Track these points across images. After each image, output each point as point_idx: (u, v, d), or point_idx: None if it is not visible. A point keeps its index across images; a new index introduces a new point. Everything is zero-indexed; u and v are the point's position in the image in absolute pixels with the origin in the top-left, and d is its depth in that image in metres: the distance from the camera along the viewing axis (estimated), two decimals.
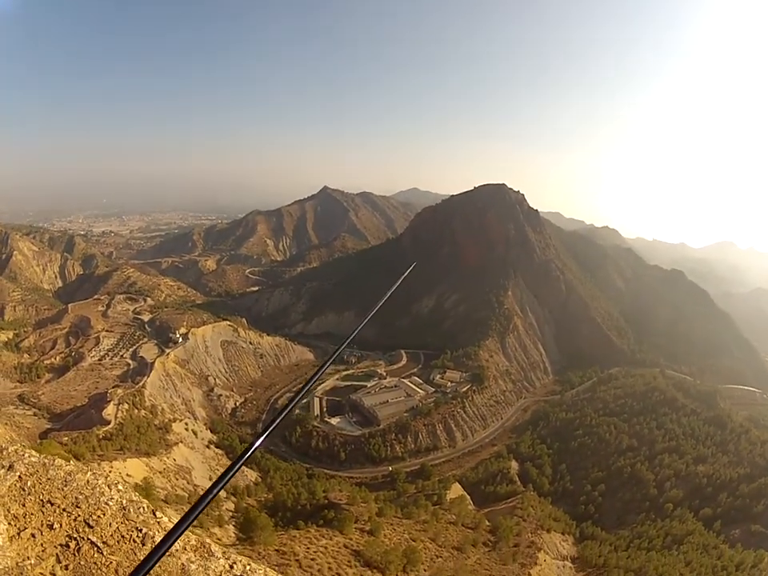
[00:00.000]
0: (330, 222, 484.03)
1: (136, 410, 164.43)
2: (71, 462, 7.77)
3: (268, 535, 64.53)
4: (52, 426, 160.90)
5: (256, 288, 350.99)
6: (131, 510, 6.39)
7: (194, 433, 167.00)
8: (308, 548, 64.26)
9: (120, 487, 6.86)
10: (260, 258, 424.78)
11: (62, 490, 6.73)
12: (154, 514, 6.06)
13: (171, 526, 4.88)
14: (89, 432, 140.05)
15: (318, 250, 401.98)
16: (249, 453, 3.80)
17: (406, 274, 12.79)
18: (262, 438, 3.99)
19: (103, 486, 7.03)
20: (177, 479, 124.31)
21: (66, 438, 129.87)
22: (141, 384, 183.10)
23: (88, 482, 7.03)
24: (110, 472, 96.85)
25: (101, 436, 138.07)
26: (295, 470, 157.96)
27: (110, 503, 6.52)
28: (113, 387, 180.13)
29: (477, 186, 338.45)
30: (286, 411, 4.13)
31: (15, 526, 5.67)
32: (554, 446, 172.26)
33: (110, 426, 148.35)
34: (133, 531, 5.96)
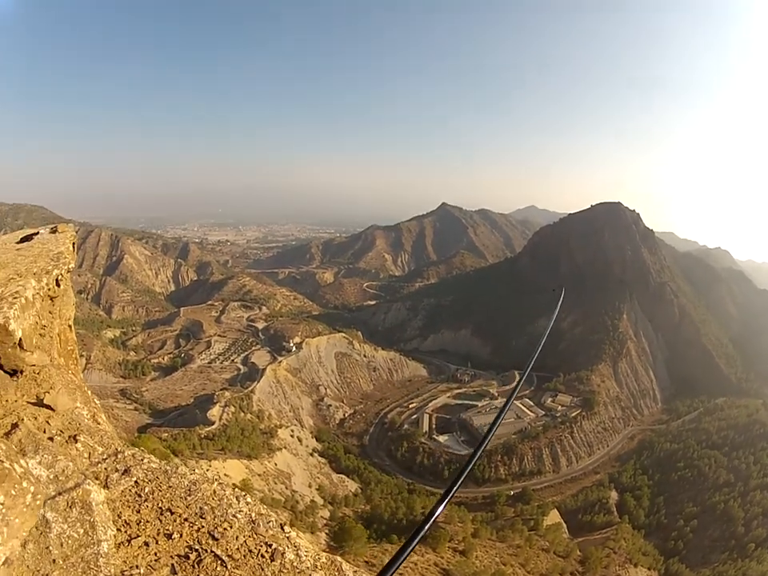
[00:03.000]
0: (449, 238, 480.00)
1: (242, 414, 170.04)
2: (195, 471, 7.62)
3: (360, 546, 65.86)
4: (152, 422, 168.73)
5: (373, 302, 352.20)
6: (260, 524, 6.19)
7: (299, 440, 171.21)
8: None
9: (249, 499, 6.63)
10: (378, 272, 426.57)
11: (185, 499, 6.53)
12: (283, 528, 5.96)
13: (300, 541, 5.66)
14: (190, 430, 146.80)
15: (437, 266, 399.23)
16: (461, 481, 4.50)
17: (560, 301, 15.04)
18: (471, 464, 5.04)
19: (231, 497, 6.75)
20: (275, 483, 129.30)
21: (166, 435, 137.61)
22: (250, 389, 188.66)
23: (215, 492, 6.81)
24: (207, 470, 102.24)
25: (202, 435, 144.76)
26: (396, 485, 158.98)
27: (238, 516, 6.29)
28: (220, 390, 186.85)
29: (593, 204, 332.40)
30: (488, 437, 5.38)
31: (126, 532, 5.48)
32: (654, 477, 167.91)
33: (214, 426, 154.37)
34: (261, 546, 5.75)
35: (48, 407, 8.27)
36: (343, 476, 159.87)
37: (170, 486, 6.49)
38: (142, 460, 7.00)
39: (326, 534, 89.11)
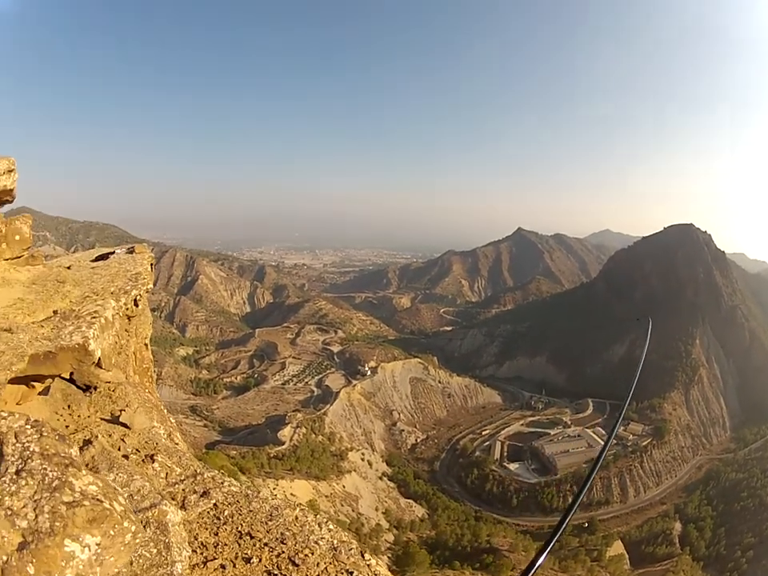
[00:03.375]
0: (525, 264, 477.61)
1: (313, 435, 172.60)
2: (276, 496, 8.04)
3: (422, 572, 68.55)
4: (221, 439, 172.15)
5: (450, 328, 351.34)
6: (342, 551, 6.36)
7: (369, 463, 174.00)
8: None
9: (331, 526, 6.81)
10: (455, 298, 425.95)
11: (266, 523, 6.63)
12: (363, 555, 6.10)
13: (379, 569, 5.92)
14: (260, 449, 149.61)
15: (513, 292, 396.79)
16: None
17: (649, 333, 14.96)
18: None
19: (313, 523, 6.92)
20: (342, 505, 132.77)
21: (235, 452, 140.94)
22: (323, 411, 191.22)
23: (297, 518, 6.95)
24: (273, 489, 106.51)
25: (272, 455, 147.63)
26: (464, 511, 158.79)
27: (320, 542, 6.42)
28: (293, 411, 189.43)
29: (666, 227, 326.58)
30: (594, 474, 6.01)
31: (202, 554, 5.56)
32: (719, 507, 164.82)
33: (284, 446, 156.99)
34: (342, 573, 5.94)
35: (124, 425, 9.00)
36: (411, 501, 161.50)
37: (251, 511, 6.82)
38: (222, 483, 7.46)
39: (388, 557, 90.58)
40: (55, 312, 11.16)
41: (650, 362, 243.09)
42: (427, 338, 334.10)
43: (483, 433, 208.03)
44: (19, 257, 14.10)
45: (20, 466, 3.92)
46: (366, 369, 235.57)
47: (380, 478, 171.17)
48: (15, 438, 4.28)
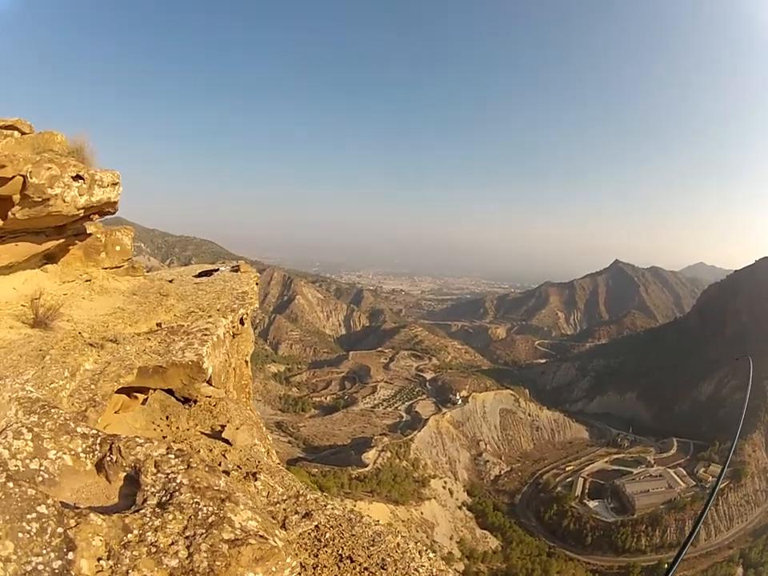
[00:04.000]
0: (621, 297, 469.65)
1: (398, 460, 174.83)
2: (379, 521, 8.04)
3: None
4: (304, 456, 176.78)
5: (543, 360, 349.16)
6: None
7: (450, 492, 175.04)
8: None
9: (431, 555, 6.80)
10: (550, 330, 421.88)
11: (368, 548, 6.66)
12: None
13: None
14: (342, 470, 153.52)
15: (608, 326, 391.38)
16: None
17: (751, 375, 14.76)
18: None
19: (414, 551, 6.93)
20: (417, 531, 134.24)
21: (316, 470, 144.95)
22: (410, 437, 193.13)
23: (398, 545, 6.96)
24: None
25: (353, 476, 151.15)
26: (538, 546, 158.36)
27: (420, 570, 6.44)
28: (380, 434, 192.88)
29: (757, 259, 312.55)
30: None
31: (300, 575, 5.31)
32: None
33: (367, 468, 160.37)
34: None
35: (225, 441, 9.33)
36: (487, 532, 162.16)
37: (353, 535, 7.00)
38: (325, 506, 7.66)
39: None
40: (159, 325, 12.72)
41: (735, 400, 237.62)
42: (520, 369, 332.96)
43: (567, 468, 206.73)
44: (119, 267, 16.36)
45: (164, 499, 4.25)
46: (458, 397, 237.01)
47: (459, 507, 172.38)
48: (156, 467, 4.62)
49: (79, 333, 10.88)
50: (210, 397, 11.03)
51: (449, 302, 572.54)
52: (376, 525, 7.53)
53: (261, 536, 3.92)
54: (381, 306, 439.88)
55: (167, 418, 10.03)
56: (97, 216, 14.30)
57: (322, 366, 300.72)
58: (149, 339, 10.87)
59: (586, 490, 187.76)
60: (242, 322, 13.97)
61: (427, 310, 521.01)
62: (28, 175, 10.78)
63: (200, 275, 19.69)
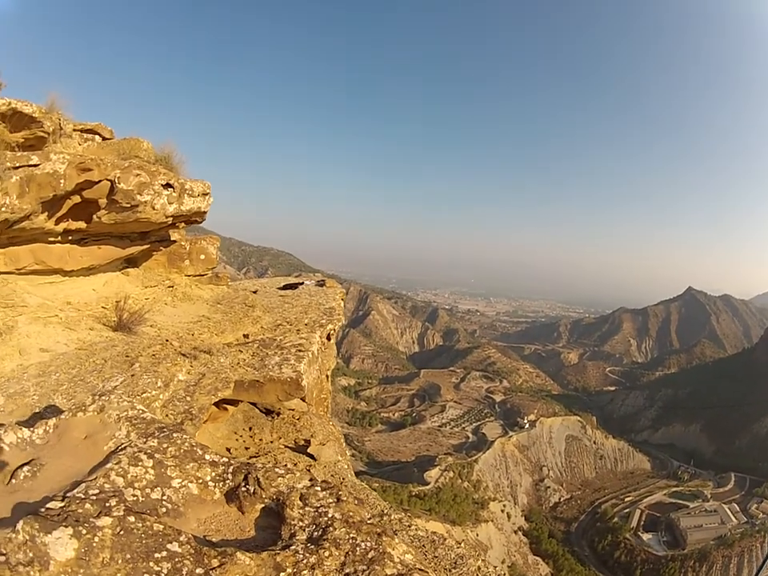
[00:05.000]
0: (692, 325, 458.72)
1: (459, 480, 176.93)
2: (461, 544, 7.80)
3: None
4: (366, 470, 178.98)
5: (613, 388, 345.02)
6: None
7: (508, 515, 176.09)
8: None
9: None
10: (621, 357, 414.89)
11: (450, 571, 6.57)
12: None
13: None
14: (402, 486, 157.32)
15: (678, 355, 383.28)
16: None
17: None
18: None
19: (493, 574, 6.92)
20: None
21: (377, 485, 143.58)
22: (474, 458, 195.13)
23: (479, 568, 6.86)
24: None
25: (413, 493, 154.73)
26: None
27: None
28: (444, 453, 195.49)
29: None
30: None
31: None
32: None
33: (428, 487, 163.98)
34: None
35: (310, 456, 9.85)
36: (539, 559, 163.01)
37: (436, 557, 6.96)
38: (409, 526, 7.82)
39: None
40: (246, 336, 13.26)
41: None
42: (589, 396, 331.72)
43: (626, 499, 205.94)
44: (202, 275, 16.86)
45: (315, 534, 4.10)
46: (525, 421, 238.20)
47: (515, 532, 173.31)
48: (302, 500, 4.53)
49: (167, 340, 11.35)
50: (293, 410, 11.56)
51: (523, 324, 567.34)
52: (458, 547, 7.60)
53: (420, 569, 3.94)
54: (455, 325, 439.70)
55: (250, 429, 10.48)
56: (183, 224, 15.66)
57: (392, 382, 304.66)
58: (241, 351, 11.41)
59: (642, 522, 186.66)
60: (328, 337, 14.54)
61: (501, 332, 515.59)
62: (116, 180, 11.80)
63: (284, 288, 20.75)
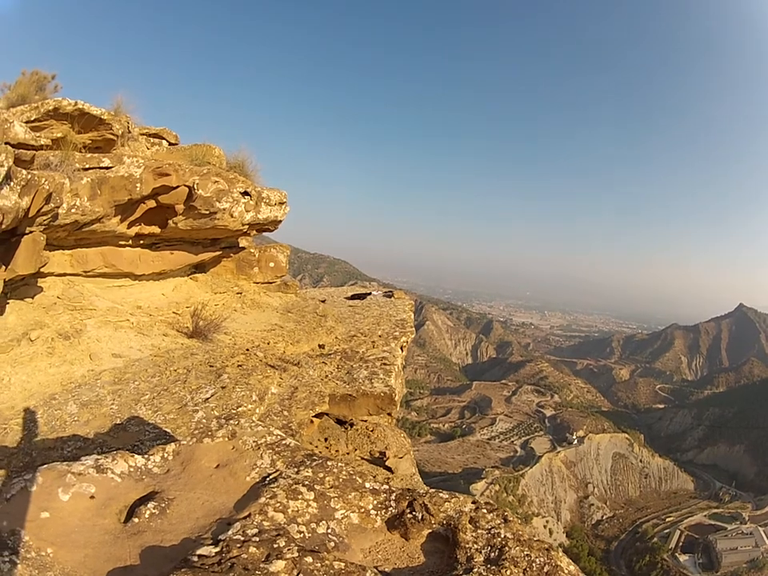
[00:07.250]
0: (742, 343, 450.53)
1: (505, 494, 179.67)
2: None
3: None
4: None
5: (662, 405, 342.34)
6: None
7: (550, 532, 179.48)
8: None
9: None
10: (672, 374, 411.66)
11: None
12: None
13: None
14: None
15: (727, 373, 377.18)
16: None
17: None
18: None
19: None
20: None
21: None
22: (521, 472, 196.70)
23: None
24: None
25: None
26: None
27: None
28: (491, 467, 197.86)
29: None
30: None
31: None
32: None
33: None
34: None
35: (388, 469, 9.88)
36: None
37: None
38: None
39: None
40: (321, 346, 13.70)
41: None
42: (638, 413, 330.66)
43: (667, 519, 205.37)
44: (270, 282, 17.68)
45: (492, 555, 4.09)
46: (574, 437, 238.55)
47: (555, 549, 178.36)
48: (471, 523, 4.48)
49: (248, 350, 11.53)
50: (365, 421, 11.39)
51: (577, 338, 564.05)
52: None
53: None
54: (509, 338, 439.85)
55: (326, 440, 10.38)
56: (255, 232, 15.88)
57: (444, 393, 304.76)
58: (325, 363, 11.64)
59: (681, 543, 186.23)
60: (401, 349, 14.33)
61: (555, 346, 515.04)
62: (194, 187, 12.03)
63: (352, 297, 20.66)
